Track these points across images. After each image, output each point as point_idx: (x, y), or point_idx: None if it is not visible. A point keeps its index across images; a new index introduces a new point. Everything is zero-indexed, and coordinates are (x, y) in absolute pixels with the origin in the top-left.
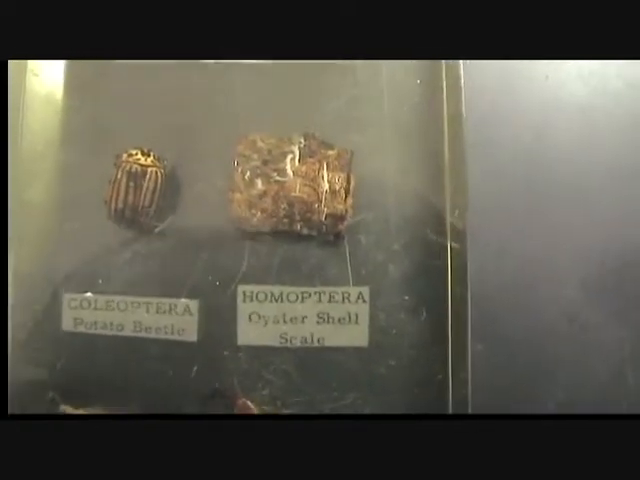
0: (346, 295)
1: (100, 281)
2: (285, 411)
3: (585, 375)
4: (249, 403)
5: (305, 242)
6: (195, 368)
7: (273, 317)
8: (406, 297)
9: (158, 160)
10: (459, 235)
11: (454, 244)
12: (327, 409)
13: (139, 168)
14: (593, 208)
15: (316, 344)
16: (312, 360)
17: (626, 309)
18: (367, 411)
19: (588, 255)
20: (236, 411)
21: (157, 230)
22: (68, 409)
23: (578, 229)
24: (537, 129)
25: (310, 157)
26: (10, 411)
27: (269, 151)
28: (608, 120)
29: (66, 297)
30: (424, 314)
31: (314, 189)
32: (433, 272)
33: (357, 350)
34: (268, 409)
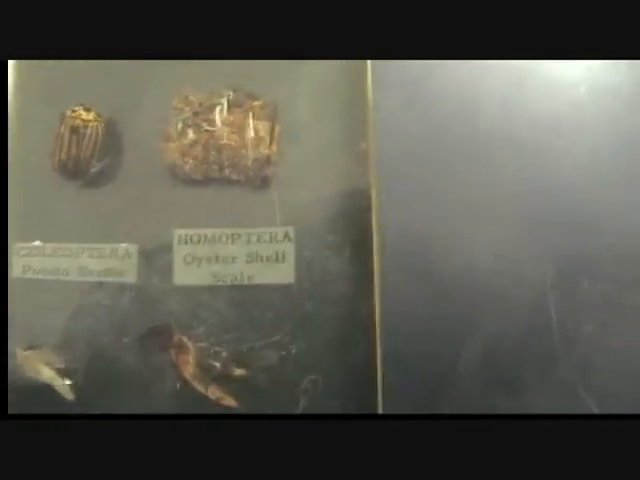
0: (273, 235)
1: (47, 230)
2: (218, 348)
3: (510, 306)
4: (184, 339)
5: (234, 186)
6: (134, 309)
7: (206, 258)
8: (329, 237)
9: (99, 115)
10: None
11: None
12: (257, 346)
13: (81, 123)
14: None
15: (246, 282)
16: (243, 298)
17: (547, 244)
18: (295, 347)
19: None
20: (172, 349)
21: (94, 170)
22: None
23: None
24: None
25: (238, 107)
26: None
27: (200, 104)
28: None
29: (16, 246)
30: (348, 251)
31: (241, 136)
32: (358, 209)
33: (285, 287)
34: (203, 345)
